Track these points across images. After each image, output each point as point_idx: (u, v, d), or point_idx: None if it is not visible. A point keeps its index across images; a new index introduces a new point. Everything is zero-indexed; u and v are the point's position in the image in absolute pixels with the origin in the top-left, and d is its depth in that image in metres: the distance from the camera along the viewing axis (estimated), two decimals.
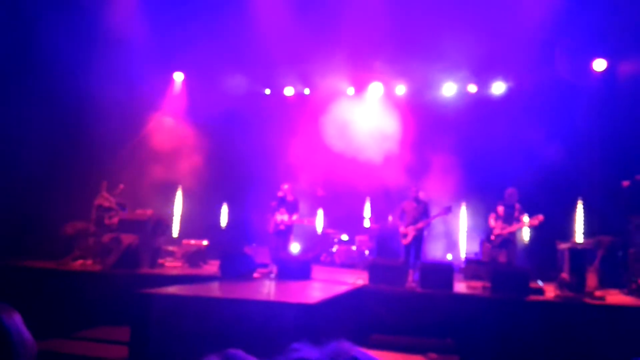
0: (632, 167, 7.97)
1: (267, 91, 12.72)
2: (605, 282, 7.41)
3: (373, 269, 7.36)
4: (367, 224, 11.31)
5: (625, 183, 7.64)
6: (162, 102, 11.67)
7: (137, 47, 9.42)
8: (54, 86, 8.63)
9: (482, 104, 11.26)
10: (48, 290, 7.29)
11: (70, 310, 6.78)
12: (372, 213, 11.68)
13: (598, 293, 6.73)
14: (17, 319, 1.30)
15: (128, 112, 10.31)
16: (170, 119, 11.55)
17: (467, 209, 11.15)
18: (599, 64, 10.32)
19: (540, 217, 7.79)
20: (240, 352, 1.03)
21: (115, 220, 8.86)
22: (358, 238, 11.03)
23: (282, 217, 9.26)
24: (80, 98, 9.11)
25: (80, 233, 8.75)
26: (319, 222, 11.71)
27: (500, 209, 8.26)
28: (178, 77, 12.07)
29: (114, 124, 9.77)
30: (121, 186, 9.41)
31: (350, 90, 12.08)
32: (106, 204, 9.12)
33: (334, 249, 11.02)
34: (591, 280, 7.10)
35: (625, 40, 9.45)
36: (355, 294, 6.87)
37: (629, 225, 7.32)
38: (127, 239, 8.03)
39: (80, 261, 8.46)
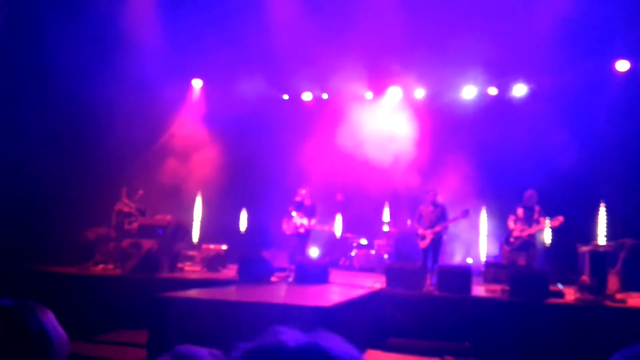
0: None
1: (286, 97, 12.82)
2: (627, 285, 7.23)
3: (390, 273, 7.36)
4: (386, 228, 11.26)
5: None
6: (181, 109, 11.88)
7: (156, 55, 9.62)
8: (76, 93, 8.87)
9: (502, 106, 11.13)
10: (70, 294, 7.46)
11: (91, 314, 6.94)
12: (390, 217, 11.64)
13: (619, 296, 6.58)
14: (51, 317, 1.36)
15: (148, 118, 10.54)
16: (189, 125, 11.73)
17: (487, 212, 11.02)
18: (622, 65, 10.12)
19: (560, 218, 7.65)
20: (189, 348, 1.06)
21: (135, 225, 9.04)
22: (377, 242, 11.00)
23: (301, 220, 9.30)
24: (101, 105, 9.34)
25: (101, 238, 8.96)
26: (338, 226, 11.72)
27: (520, 211, 8.15)
28: (197, 83, 12.28)
29: (134, 130, 10.00)
30: (141, 192, 9.59)
31: (369, 95, 12.08)
32: (126, 209, 9.30)
33: (353, 253, 11.01)
34: (612, 283, 6.93)
35: None
36: (372, 298, 6.85)
37: None
38: (147, 244, 8.18)
39: (101, 266, 8.65)
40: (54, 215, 8.91)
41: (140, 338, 5.60)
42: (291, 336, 0.70)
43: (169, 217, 9.16)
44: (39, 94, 8.95)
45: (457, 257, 10.64)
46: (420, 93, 11.87)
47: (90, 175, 9.61)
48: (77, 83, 8.73)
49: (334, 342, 0.69)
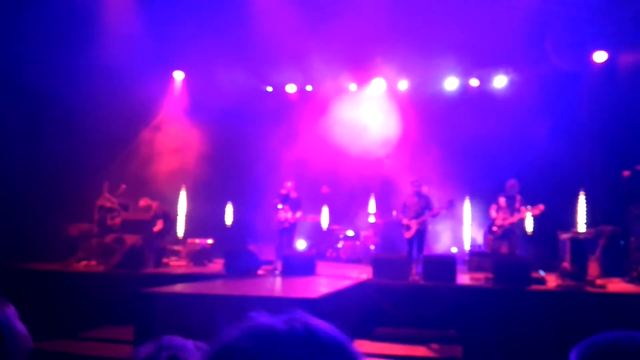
0: (633, 158, 7.97)
1: (270, 89, 12.75)
2: (607, 271, 7.42)
3: (376, 263, 7.42)
4: (371, 219, 11.33)
5: (626, 173, 7.67)
6: (163, 102, 11.72)
7: (137, 46, 9.45)
8: (53, 88, 8.70)
9: (484, 97, 11.27)
10: (53, 292, 7.37)
11: (75, 311, 6.85)
12: (376, 208, 11.70)
13: (599, 282, 6.74)
14: (10, 312, 1.29)
15: (129, 112, 10.37)
16: (172, 118, 11.59)
17: (471, 202, 11.16)
18: (600, 56, 10.31)
19: (541, 206, 7.80)
20: (173, 338, 1.06)
21: (117, 221, 8.93)
22: (363, 233, 11.07)
23: (286, 214, 9.30)
24: (82, 100, 9.17)
25: (84, 234, 8.83)
26: (324, 218, 11.75)
27: (502, 200, 8.28)
28: (178, 75, 12.12)
29: (115, 124, 9.83)
30: (123, 186, 9.47)
31: (353, 87, 12.09)
32: (108, 204, 9.18)
33: (340, 245, 11.06)
34: (593, 269, 7.10)
35: (625, 31, 9.41)
36: (359, 288, 6.90)
37: (629, 215, 7.31)
38: (131, 239, 8.11)
39: (84, 262, 8.54)
40: (35, 212, 8.76)
41: (126, 334, 5.54)
42: (277, 320, 0.70)
43: (155, 204, 9.09)
44: (14, 90, 8.75)
45: (442, 246, 10.78)
46: (403, 85, 11.93)
47: (72, 170, 9.44)
48: (56, 78, 8.54)
49: (320, 324, 0.71)
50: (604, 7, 8.95)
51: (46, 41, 8.54)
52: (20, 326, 1.30)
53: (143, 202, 9.15)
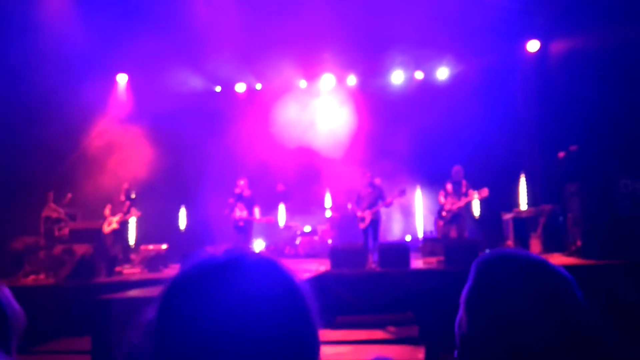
0: (567, 140, 8.37)
1: (218, 88, 12.63)
2: (549, 247, 7.85)
3: (334, 255, 7.54)
4: (328, 213, 11.48)
5: (561, 154, 8.04)
6: (106, 106, 11.36)
7: (77, 50, 9.13)
8: None
9: (429, 89, 11.65)
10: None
11: (28, 327, 6.57)
12: (332, 202, 11.87)
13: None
14: (7, 292, 1.39)
15: (72, 118, 9.99)
16: (117, 122, 11.24)
17: (422, 190, 11.52)
18: (533, 45, 10.89)
19: (486, 190, 8.17)
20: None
21: (65, 231, 8.62)
22: (320, 228, 11.19)
23: (240, 213, 9.27)
24: (21, 106, 8.77)
25: (30, 247, 8.44)
26: (281, 216, 11.79)
27: (449, 186, 8.62)
28: (122, 79, 11.77)
29: (57, 131, 9.45)
30: (69, 195, 9.15)
31: (303, 83, 12.18)
32: (54, 215, 8.84)
33: (298, 241, 11.14)
34: (535, 246, 7.50)
35: (556, 21, 9.99)
36: (318, 280, 7.01)
37: (566, 192, 7.69)
38: (80, 249, 7.82)
39: (32, 277, 8.17)
40: None
41: (83, 344, 5.39)
42: (218, 252, 0.80)
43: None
44: None
45: (397, 235, 11.08)
46: (352, 80, 12.15)
47: (13, 181, 9.02)
48: None
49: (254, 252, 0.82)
50: None
51: None
52: (16, 305, 1.40)
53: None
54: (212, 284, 0.74)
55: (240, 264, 0.78)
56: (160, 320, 0.76)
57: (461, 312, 1.06)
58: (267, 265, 0.80)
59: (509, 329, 0.95)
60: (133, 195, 9.52)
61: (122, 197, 9.40)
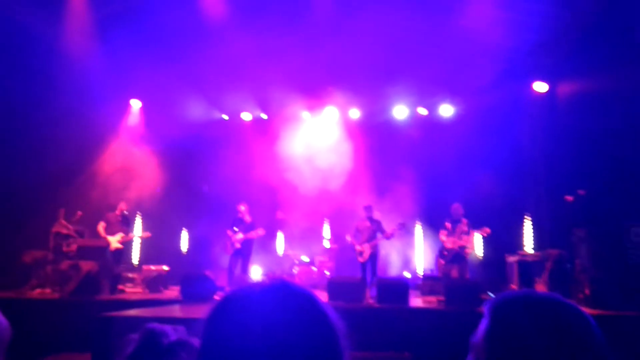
0: (575, 183, 8.24)
1: (225, 117, 12.92)
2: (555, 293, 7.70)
3: (331, 287, 7.48)
4: (326, 244, 11.51)
5: (569, 198, 7.86)
6: (119, 129, 11.60)
7: (93, 74, 9.38)
8: (7, 115, 8.52)
9: (432, 126, 11.73)
10: (7, 320, 7.03)
11: (30, 339, 6.58)
12: (331, 234, 11.90)
13: None
14: None
15: (85, 140, 10.24)
16: (128, 146, 11.49)
17: (422, 227, 11.54)
18: (540, 86, 10.84)
19: (487, 229, 8.16)
20: (156, 325, 1.25)
21: (73, 247, 8.75)
22: (318, 259, 11.18)
23: (236, 236, 9.41)
24: (37, 126, 9.01)
25: (38, 261, 8.56)
26: (280, 244, 11.84)
27: (449, 224, 8.61)
28: (135, 104, 12.09)
29: (71, 152, 9.69)
30: (79, 213, 9.30)
31: (306, 115, 12.42)
32: (64, 231, 9.00)
33: (295, 270, 11.13)
34: (540, 291, 7.38)
35: (562, 62, 9.90)
36: None
37: (573, 238, 7.46)
38: (86, 265, 7.92)
39: (38, 290, 8.26)
40: None
41: None
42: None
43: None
44: None
45: (395, 271, 11.06)
46: (355, 113, 12.36)
47: (27, 197, 9.20)
48: (9, 105, 8.38)
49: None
50: (543, 40, 9.37)
51: None
52: (2, 318, 1.42)
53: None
54: (255, 308, 0.86)
55: (282, 292, 0.90)
56: (205, 340, 0.87)
57: (471, 357, 1.07)
58: (305, 296, 0.91)
59: None
60: (126, 212, 9.61)
61: (118, 217, 9.43)
